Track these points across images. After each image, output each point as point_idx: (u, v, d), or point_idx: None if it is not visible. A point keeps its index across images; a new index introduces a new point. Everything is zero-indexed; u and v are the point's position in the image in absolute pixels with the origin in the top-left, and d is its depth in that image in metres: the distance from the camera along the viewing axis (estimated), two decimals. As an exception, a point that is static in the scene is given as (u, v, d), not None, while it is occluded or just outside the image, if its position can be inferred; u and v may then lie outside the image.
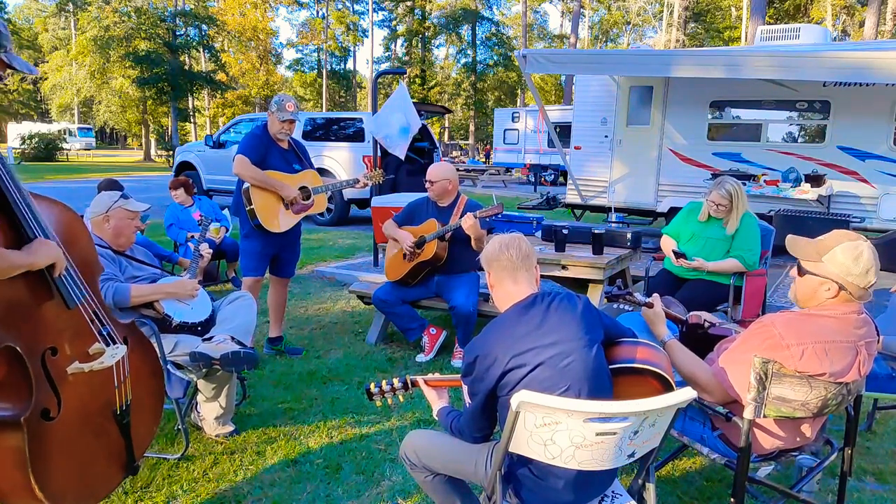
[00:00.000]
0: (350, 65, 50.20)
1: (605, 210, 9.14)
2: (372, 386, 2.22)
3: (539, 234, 5.14)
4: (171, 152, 27.07)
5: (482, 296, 4.05)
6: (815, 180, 7.42)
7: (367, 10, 42.87)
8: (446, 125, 45.88)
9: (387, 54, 46.29)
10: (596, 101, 9.26)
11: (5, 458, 1.70)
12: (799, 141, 8.10)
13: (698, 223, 3.98)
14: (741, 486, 1.99)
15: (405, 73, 20.37)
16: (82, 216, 2.14)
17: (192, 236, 5.63)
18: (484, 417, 1.84)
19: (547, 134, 19.99)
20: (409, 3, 42.75)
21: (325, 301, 5.66)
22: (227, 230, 5.94)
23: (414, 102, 6.06)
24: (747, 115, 8.51)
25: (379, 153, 6.67)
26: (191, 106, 36.71)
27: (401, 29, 44.76)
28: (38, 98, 52.48)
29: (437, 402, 2.11)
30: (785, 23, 24.65)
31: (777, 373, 1.88)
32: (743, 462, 1.98)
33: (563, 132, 12.73)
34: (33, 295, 1.78)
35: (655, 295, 2.40)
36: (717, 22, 37.94)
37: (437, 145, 11.51)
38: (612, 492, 1.88)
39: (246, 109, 40.75)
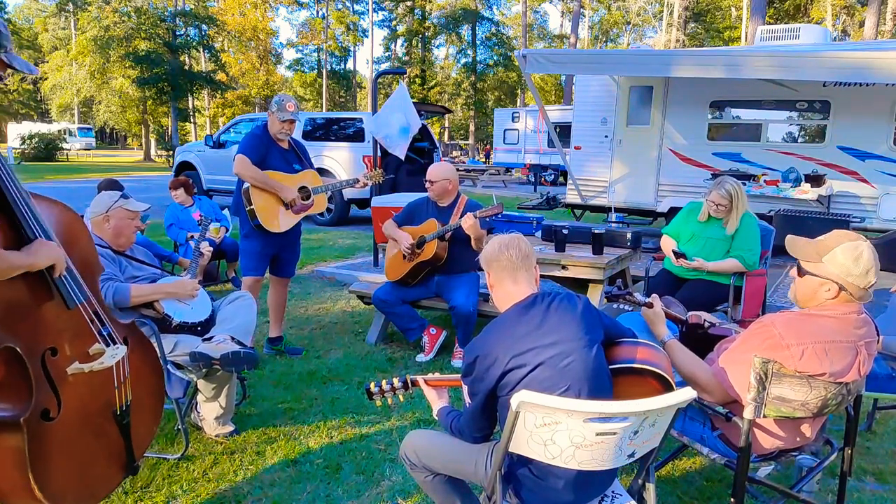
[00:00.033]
0: (350, 65, 50.27)
1: (605, 210, 9.14)
2: (372, 386, 2.22)
3: (539, 234, 5.14)
4: (171, 152, 27.07)
5: (482, 296, 4.05)
6: (815, 180, 7.42)
7: (367, 10, 42.90)
8: (446, 125, 45.89)
9: (387, 54, 46.32)
10: (596, 101, 9.26)
11: (5, 458, 1.70)
12: (799, 141, 8.10)
13: (698, 223, 3.98)
14: (741, 486, 1.99)
15: (405, 73, 20.37)
16: (82, 216, 2.14)
17: (192, 236, 5.64)
18: (484, 417, 1.84)
19: (547, 134, 20.00)
20: (409, 3, 42.75)
21: (325, 301, 5.66)
22: (227, 230, 5.94)
23: (414, 102, 6.06)
24: (747, 115, 8.51)
25: (379, 153, 6.67)
26: (191, 106, 36.71)
27: (401, 29, 44.77)
28: (38, 98, 52.49)
29: (437, 401, 2.11)
30: (785, 23, 24.65)
31: (777, 373, 1.88)
32: (743, 462, 1.98)
33: (563, 132, 12.73)
34: (33, 295, 1.78)
35: (655, 295, 2.40)
36: (717, 22, 37.94)
37: (437, 145, 11.51)
38: (612, 492, 1.88)
39: (246, 109, 40.75)
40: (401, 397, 2.24)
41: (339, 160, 10.33)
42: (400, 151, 5.70)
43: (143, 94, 33.16)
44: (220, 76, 36.50)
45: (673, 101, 8.57)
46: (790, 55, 6.71)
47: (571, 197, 9.65)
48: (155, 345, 2.46)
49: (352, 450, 2.94)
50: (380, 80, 10.84)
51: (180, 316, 2.87)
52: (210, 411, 3.02)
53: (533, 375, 1.70)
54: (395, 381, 2.21)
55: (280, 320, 4.32)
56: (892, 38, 21.23)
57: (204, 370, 2.84)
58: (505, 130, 23.66)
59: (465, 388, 1.92)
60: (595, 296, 4.37)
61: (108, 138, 61.93)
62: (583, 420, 1.53)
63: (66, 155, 34.30)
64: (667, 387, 1.83)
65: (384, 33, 46.09)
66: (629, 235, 4.73)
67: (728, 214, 3.86)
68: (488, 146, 32.77)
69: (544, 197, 12.26)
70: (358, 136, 10.41)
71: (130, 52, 31.33)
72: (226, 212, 6.30)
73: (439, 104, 29.56)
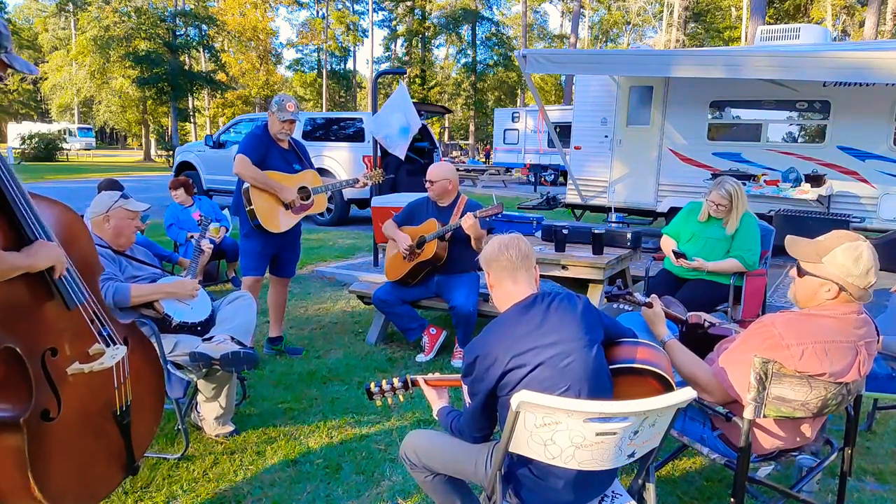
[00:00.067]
0: (350, 65, 50.26)
1: (605, 210, 9.14)
2: (372, 385, 2.22)
3: (539, 234, 5.14)
4: (171, 152, 27.07)
5: (482, 296, 4.05)
6: (815, 180, 7.42)
7: (367, 10, 42.89)
8: (446, 125, 45.89)
9: (387, 54, 46.31)
10: (596, 101, 9.26)
11: (5, 458, 1.70)
12: (799, 141, 8.10)
13: (698, 223, 3.98)
14: (741, 486, 1.99)
15: (405, 73, 20.37)
16: (82, 216, 2.14)
17: (192, 236, 5.64)
18: (484, 417, 1.84)
19: (547, 134, 20.00)
20: (409, 3, 42.75)
21: (325, 301, 5.66)
22: (227, 230, 5.94)
23: (414, 102, 6.06)
24: (747, 115, 8.51)
25: (379, 153, 6.67)
26: (191, 106, 36.71)
27: (401, 29, 44.76)
28: (38, 98, 52.50)
29: (437, 401, 2.11)
30: (785, 23, 24.65)
31: (777, 373, 1.88)
32: (743, 462, 1.98)
33: (563, 132, 12.73)
34: (33, 296, 1.78)
35: (654, 296, 2.40)
36: (717, 22, 37.94)
37: (437, 145, 11.51)
38: (612, 492, 1.88)
39: (246, 109, 40.75)
40: (401, 397, 2.24)
41: (339, 160, 10.33)
42: (400, 151, 5.70)
43: (143, 94, 33.16)
44: (220, 76, 36.50)
45: (673, 101, 8.57)
46: (790, 55, 6.71)
47: (571, 197, 9.65)
48: (155, 345, 2.46)
49: (352, 450, 2.94)
50: (380, 80, 10.84)
51: (180, 316, 2.87)
52: (210, 411, 3.02)
53: (533, 375, 1.70)
54: (395, 381, 2.21)
55: (280, 320, 4.32)
56: (892, 38, 21.23)
57: (204, 370, 2.84)
58: (505, 130, 23.66)
59: (465, 388, 1.92)
60: (595, 296, 4.37)
61: (108, 138, 61.93)
62: (583, 420, 1.53)
63: (66, 155, 34.30)
64: (667, 387, 1.83)
65: (384, 33, 46.18)
66: (629, 235, 4.73)
67: (728, 214, 3.86)
68: (488, 146, 32.77)
69: (544, 197, 12.26)
70: (358, 136, 10.41)
71: (130, 52, 31.33)
72: (226, 212, 6.30)
73: (439, 104, 29.56)
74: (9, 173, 1.72)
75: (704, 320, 2.52)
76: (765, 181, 7.85)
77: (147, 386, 2.21)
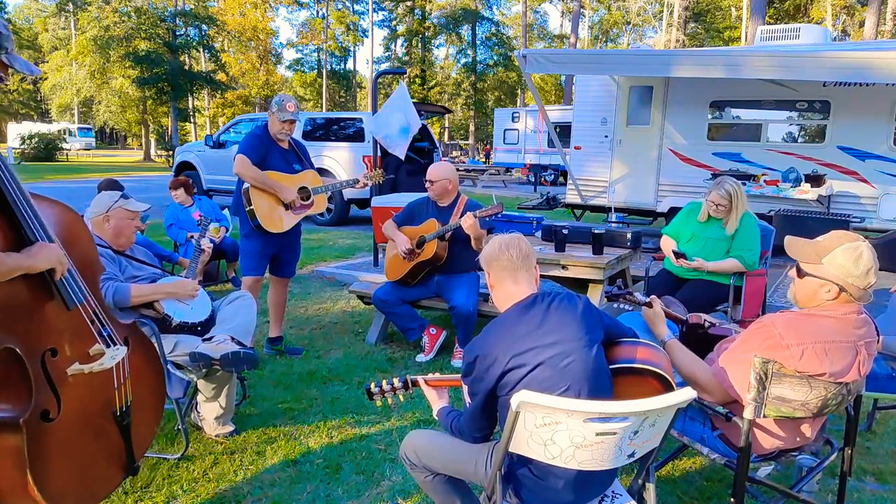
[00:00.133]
0: (350, 65, 50.26)
1: (605, 210, 9.14)
2: (372, 386, 2.22)
3: (539, 234, 5.14)
4: (171, 152, 27.07)
5: (482, 296, 4.05)
6: (815, 180, 7.42)
7: (367, 10, 42.89)
8: (446, 125, 45.89)
9: (387, 54, 46.31)
10: (596, 101, 9.26)
11: (4, 458, 1.70)
12: (799, 141, 8.10)
13: (698, 223, 3.98)
14: (741, 486, 1.99)
15: (405, 73, 20.37)
16: (82, 216, 2.14)
17: (192, 236, 5.64)
18: (484, 417, 1.84)
19: (547, 134, 19.99)
20: (409, 3, 42.75)
21: (325, 301, 5.66)
22: (227, 230, 5.94)
23: (414, 102, 6.06)
24: (747, 115, 8.51)
25: (379, 153, 6.68)
26: (191, 106, 36.71)
27: (401, 29, 44.76)
28: (38, 98, 52.50)
29: (437, 401, 2.11)
30: (785, 23, 24.65)
31: (777, 373, 1.88)
32: (743, 462, 1.98)
33: (563, 132, 12.73)
34: (33, 296, 1.78)
35: (654, 296, 2.40)
36: (717, 22, 37.94)
37: (437, 145, 11.51)
38: (612, 492, 1.89)
39: (246, 109, 40.75)
40: (401, 397, 2.24)
41: (339, 160, 10.33)
42: (400, 151, 5.70)
43: (143, 94, 33.16)
44: (220, 76, 36.50)
45: (673, 101, 8.58)
46: (790, 55, 6.71)
47: (571, 197, 9.65)
48: (155, 345, 2.46)
49: (352, 450, 2.94)
50: (380, 80, 10.85)
51: (180, 316, 2.87)
52: (210, 411, 3.02)
53: (533, 375, 1.70)
54: (395, 381, 2.21)
55: (280, 320, 4.32)
56: (892, 38, 21.23)
57: (204, 370, 2.84)
58: (505, 130, 23.65)
59: (465, 388, 1.92)
60: (595, 296, 4.37)
61: (108, 138, 61.94)
62: (583, 420, 1.53)
63: (66, 155, 34.31)
64: (667, 387, 1.83)
65: (384, 33, 46.17)
66: (629, 235, 4.73)
67: (728, 214, 3.86)
68: (488, 146, 32.77)
69: (544, 197, 12.27)
70: (358, 136, 10.41)
71: (130, 52, 31.33)
72: (226, 212, 6.30)
73: (439, 104, 29.56)
74: (9, 173, 1.72)
75: (704, 320, 2.52)
76: (765, 181, 7.85)
77: (147, 386, 2.21)
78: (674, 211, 7.96)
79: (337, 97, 47.87)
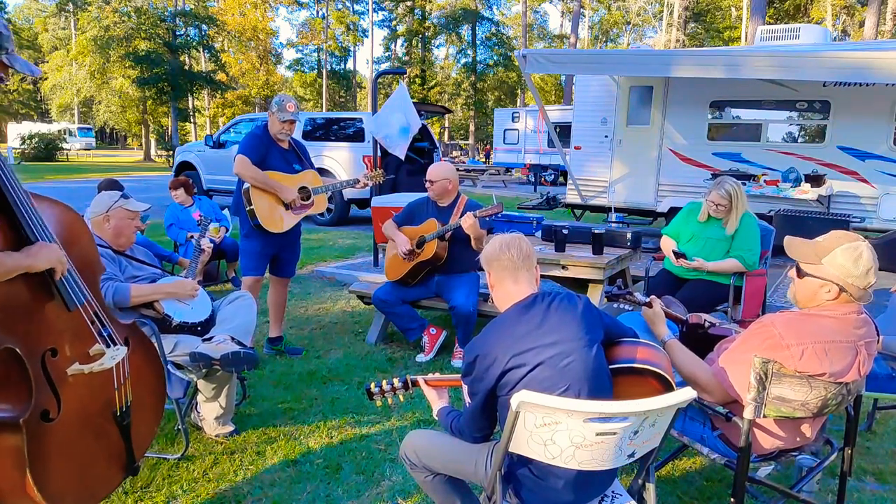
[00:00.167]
0: (350, 65, 50.26)
1: (605, 210, 9.14)
2: (372, 386, 2.22)
3: (539, 234, 5.14)
4: (171, 152, 27.08)
5: (482, 296, 4.05)
6: (815, 180, 7.42)
7: (367, 10, 42.89)
8: (446, 125, 45.89)
9: (387, 54, 46.31)
10: (596, 101, 9.26)
11: (4, 459, 1.70)
12: (799, 141, 8.10)
13: (698, 223, 3.98)
14: (741, 486, 1.99)
15: (405, 73, 20.37)
16: (82, 216, 2.14)
17: (192, 236, 5.64)
18: (484, 417, 1.84)
19: (547, 134, 19.99)
20: (409, 3, 42.75)
21: (325, 301, 5.66)
22: (227, 230, 5.94)
23: (414, 102, 6.06)
24: (747, 115, 8.51)
25: (379, 153, 6.68)
26: (191, 106, 36.71)
27: (401, 29, 44.76)
28: (38, 98, 52.50)
29: (437, 401, 2.11)
30: (785, 23, 24.65)
31: (777, 373, 1.88)
32: (743, 462, 1.98)
33: (563, 132, 12.73)
34: (33, 296, 1.78)
35: (653, 297, 2.41)
36: (717, 22, 37.94)
37: (437, 145, 11.51)
38: (612, 492, 1.89)
39: (246, 109, 40.75)
40: (401, 397, 2.24)
41: (339, 160, 10.33)
42: (400, 151, 5.70)
43: (143, 94, 33.16)
44: (220, 76, 36.50)
45: (673, 101, 8.57)
46: (790, 55, 6.71)
47: (571, 197, 9.65)
48: (155, 345, 2.46)
49: (352, 450, 2.94)
50: (380, 80, 10.84)
51: (180, 316, 2.87)
52: (210, 411, 3.02)
53: (532, 375, 1.70)
54: (395, 381, 2.21)
55: (280, 320, 4.32)
56: (892, 38, 21.23)
57: (204, 370, 2.84)
58: (505, 130, 23.66)
59: (465, 388, 1.92)
60: (595, 296, 4.37)
61: (108, 138, 61.93)
62: (583, 420, 1.53)
63: (66, 155, 34.31)
64: (667, 387, 1.83)
65: (384, 33, 46.17)
66: (629, 235, 4.73)
67: (728, 214, 3.86)
68: (488, 146, 32.77)
69: (544, 197, 12.27)
70: (358, 136, 10.41)
71: (130, 52, 31.33)
72: (226, 212, 6.30)
73: (439, 104, 29.56)
74: (9, 173, 1.72)
75: (704, 320, 2.52)
76: (765, 181, 7.85)
77: (147, 386, 2.21)
78: (674, 211, 7.96)
79: (337, 97, 47.87)
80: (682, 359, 2.15)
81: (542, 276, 2.10)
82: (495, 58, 43.51)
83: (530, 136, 22.36)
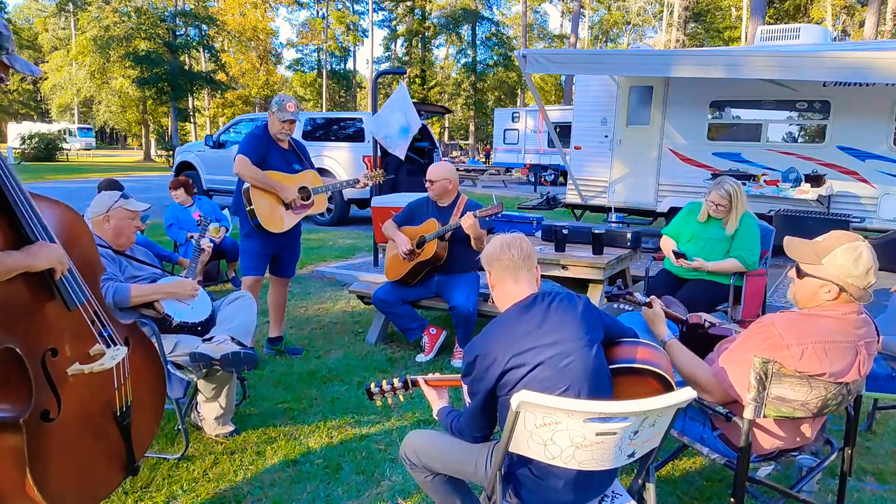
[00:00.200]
0: (350, 65, 50.26)
1: (605, 210, 9.14)
2: (372, 386, 2.22)
3: (539, 234, 5.14)
4: (171, 152, 27.08)
5: (482, 296, 4.05)
6: (815, 180, 7.42)
7: (367, 10, 42.89)
8: (446, 125, 45.89)
9: (387, 54, 46.31)
10: (596, 101, 9.26)
11: (4, 458, 1.70)
12: (799, 141, 8.10)
13: (698, 223, 3.98)
14: (741, 486, 1.99)
15: (405, 73, 20.37)
16: (82, 216, 2.14)
17: (192, 236, 5.64)
18: (484, 417, 1.84)
19: (547, 134, 20.00)
20: (409, 3, 42.74)
21: (325, 301, 5.66)
22: (227, 230, 5.94)
23: (414, 102, 6.06)
24: (747, 115, 8.51)
25: (379, 153, 6.68)
26: (191, 106, 36.71)
27: (401, 29, 44.76)
28: (38, 98, 52.50)
29: (437, 401, 2.11)
30: (785, 23, 24.65)
31: (777, 373, 1.88)
32: (743, 462, 1.98)
33: (563, 132, 12.73)
34: (34, 296, 1.78)
35: (654, 297, 2.41)
36: (717, 22, 37.94)
37: (437, 145, 11.51)
38: (612, 492, 1.89)
39: (246, 109, 40.75)
40: (401, 397, 2.24)
41: (339, 160, 10.33)
42: (400, 151, 5.70)
43: (143, 94, 33.17)
44: (220, 76, 36.50)
45: (673, 101, 8.58)
46: (790, 55, 6.71)
47: (571, 197, 9.65)
48: (155, 345, 2.46)
49: (352, 450, 2.94)
50: (380, 80, 10.85)
51: (180, 316, 2.87)
52: (210, 411, 3.02)
53: (532, 375, 1.70)
54: (395, 381, 2.21)
55: (280, 320, 4.32)
56: (892, 38, 21.23)
57: (204, 370, 2.84)
58: (505, 130, 23.66)
59: (464, 388, 1.92)
60: (595, 296, 4.37)
61: (108, 138, 61.93)
62: (583, 420, 1.53)
63: (66, 155, 34.31)
64: (667, 387, 1.83)
65: (384, 33, 46.17)
66: (629, 235, 4.73)
67: (728, 215, 3.86)
68: (488, 146, 32.77)
69: (544, 197, 12.27)
70: (358, 136, 10.41)
71: (130, 52, 31.33)
72: (226, 212, 6.30)
73: (439, 104, 29.56)
74: (9, 173, 1.72)
75: (704, 320, 2.52)
76: (765, 181, 7.85)
77: (147, 386, 2.21)
78: (674, 211, 7.96)
79: (337, 97, 47.87)
80: (682, 359, 2.15)
81: (542, 276, 2.09)
82: (495, 58, 43.52)
83: (530, 136, 22.36)
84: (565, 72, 17.79)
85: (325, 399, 3.52)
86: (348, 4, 46.17)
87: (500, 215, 4.13)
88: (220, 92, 36.52)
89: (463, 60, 45.18)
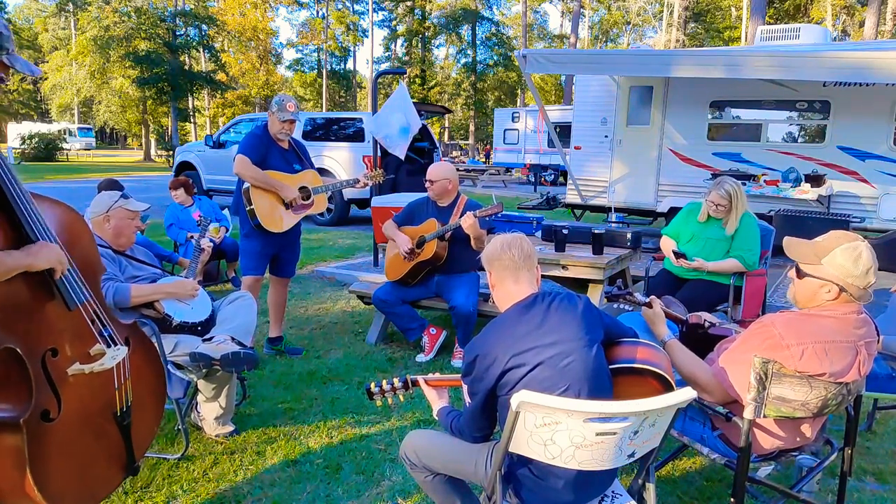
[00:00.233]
0: (350, 65, 50.26)
1: (605, 210, 9.14)
2: (372, 386, 2.23)
3: (539, 234, 5.14)
4: (171, 152, 27.08)
5: (482, 296, 4.06)
6: (815, 180, 7.42)
7: (367, 10, 42.89)
8: (446, 125, 45.88)
9: (387, 54, 46.31)
10: (596, 101, 9.26)
11: (4, 458, 1.70)
12: (799, 141, 8.11)
13: (698, 224, 3.98)
14: (741, 486, 1.99)
15: (405, 73, 20.37)
16: (83, 216, 2.14)
17: (192, 236, 5.64)
18: (484, 417, 1.84)
19: (547, 134, 20.00)
20: (409, 3, 42.74)
21: (325, 301, 5.66)
22: (227, 230, 5.94)
23: (414, 102, 6.06)
24: (747, 115, 8.51)
25: (379, 153, 6.68)
26: (191, 106, 36.71)
27: (401, 29, 44.76)
28: (38, 98, 52.50)
29: (437, 401, 2.11)
30: (785, 23, 24.65)
31: (777, 373, 1.88)
32: (743, 462, 1.98)
33: (563, 132, 12.73)
34: (34, 296, 1.78)
35: (654, 297, 2.41)
36: (717, 22, 37.94)
37: (437, 145, 11.51)
38: (612, 492, 1.89)
39: (246, 109, 40.75)
40: (401, 397, 2.24)
41: (339, 160, 10.34)
42: (400, 151, 5.70)
43: (143, 94, 33.17)
44: (220, 76, 36.50)
45: (673, 101, 8.58)
46: (790, 55, 6.71)
47: (571, 197, 9.65)
48: (155, 345, 2.46)
49: (352, 450, 2.94)
50: (380, 80, 10.84)
51: (180, 316, 2.87)
52: (210, 411, 3.02)
53: (532, 375, 1.70)
54: (396, 381, 2.21)
55: (280, 320, 4.32)
56: (892, 38, 21.23)
57: (204, 370, 2.84)
58: (505, 130, 23.66)
59: (464, 388, 1.92)
60: (595, 296, 4.37)
61: (108, 138, 61.93)
62: (583, 420, 1.53)
63: (66, 155, 34.30)
64: (667, 387, 1.83)
65: (384, 33, 46.17)
66: (629, 235, 4.73)
67: (727, 215, 3.86)
68: (488, 146, 32.77)
69: (544, 197, 12.27)
70: (358, 136, 10.41)
71: (130, 52, 31.33)
72: (226, 212, 6.30)
73: (439, 104, 29.56)
74: (9, 173, 1.72)
75: (704, 320, 2.52)
76: (765, 181, 7.85)
77: (148, 386, 2.21)
78: (674, 211, 7.96)
79: (337, 97, 47.87)
80: (682, 359, 2.15)
81: (542, 276, 2.09)
82: (495, 58, 43.51)
83: (530, 136, 22.36)
84: (565, 72, 17.79)
85: (325, 399, 3.52)
86: (348, 4, 46.19)
87: (500, 215, 4.14)
88: (220, 92, 36.53)
89: (463, 60, 45.21)
